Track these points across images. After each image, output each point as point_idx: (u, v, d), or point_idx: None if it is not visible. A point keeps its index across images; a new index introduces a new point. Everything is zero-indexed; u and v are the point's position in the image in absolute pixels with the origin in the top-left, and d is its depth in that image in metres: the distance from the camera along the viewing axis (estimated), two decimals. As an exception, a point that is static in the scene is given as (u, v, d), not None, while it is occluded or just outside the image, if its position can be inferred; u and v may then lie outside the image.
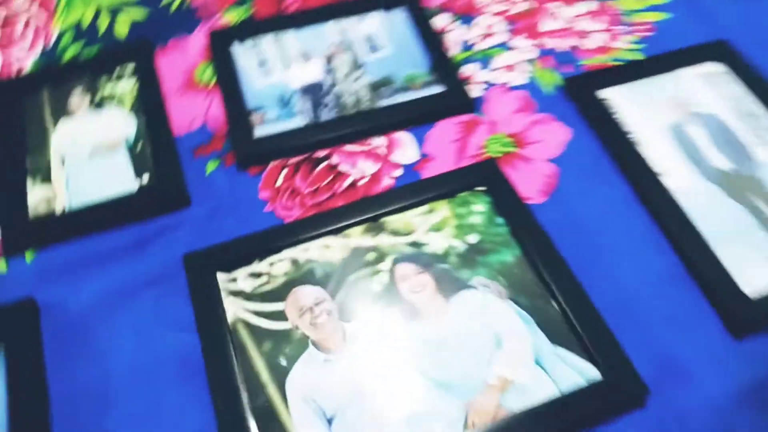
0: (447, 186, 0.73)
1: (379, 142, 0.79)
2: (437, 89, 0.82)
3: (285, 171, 0.76)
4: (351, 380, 0.60)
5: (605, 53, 0.87)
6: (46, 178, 0.75)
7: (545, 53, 0.87)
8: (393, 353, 0.61)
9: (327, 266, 0.67)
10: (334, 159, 0.77)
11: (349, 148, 0.78)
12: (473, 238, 0.69)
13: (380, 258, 0.67)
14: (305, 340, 0.62)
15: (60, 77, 0.84)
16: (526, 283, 0.65)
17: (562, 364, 0.60)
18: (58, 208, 0.73)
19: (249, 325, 0.63)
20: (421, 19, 0.89)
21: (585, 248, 0.69)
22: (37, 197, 0.73)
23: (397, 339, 0.62)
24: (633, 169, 0.73)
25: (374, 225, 0.70)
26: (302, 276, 0.66)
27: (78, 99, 0.82)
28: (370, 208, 0.71)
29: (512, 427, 0.57)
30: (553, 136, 0.79)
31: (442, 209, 0.71)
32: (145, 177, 0.75)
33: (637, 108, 0.78)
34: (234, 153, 0.76)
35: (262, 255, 0.68)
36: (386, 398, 0.59)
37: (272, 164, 0.77)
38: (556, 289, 0.64)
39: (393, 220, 0.70)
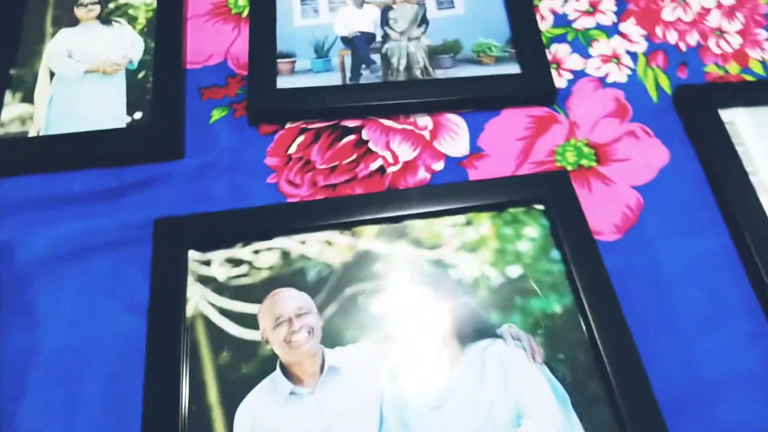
0: (496, 194, 0.57)
1: (424, 122, 0.63)
2: (512, 68, 0.65)
3: (302, 137, 0.62)
4: (318, 427, 0.47)
5: (735, 63, 0.68)
6: (29, 94, 0.63)
7: (658, 47, 0.69)
8: (377, 402, 0.48)
9: (323, 269, 0.53)
10: (365, 133, 0.62)
11: (387, 122, 0.63)
12: (515, 271, 0.53)
13: (391, 271, 0.53)
14: (273, 361, 0.49)
15: (75, -24, 0.72)
16: (572, 345, 0.50)
17: (593, 468, 0.45)
18: (33, 131, 0.61)
19: (210, 324, 0.51)
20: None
21: (657, 314, 0.53)
22: (11, 113, 0.62)
23: (388, 385, 0.48)
24: (745, 221, 0.55)
25: (393, 227, 0.55)
26: (290, 275, 0.53)
27: (87, 7, 0.69)
28: (393, 203, 0.56)
29: None
30: (646, 155, 0.62)
31: (484, 224, 0.56)
32: (138, 114, 0.62)
33: (766, 142, 0.60)
34: (247, 103, 0.62)
35: (247, 238, 0.54)
36: (354, 463, 0.46)
37: (289, 125, 0.63)
38: (609, 364, 0.49)
39: (418, 226, 0.55)
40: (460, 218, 0.56)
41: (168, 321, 0.50)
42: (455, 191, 0.57)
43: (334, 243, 0.54)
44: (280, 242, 0.54)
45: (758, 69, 0.67)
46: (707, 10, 0.72)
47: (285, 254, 0.54)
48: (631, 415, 0.47)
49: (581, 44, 0.69)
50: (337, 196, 0.58)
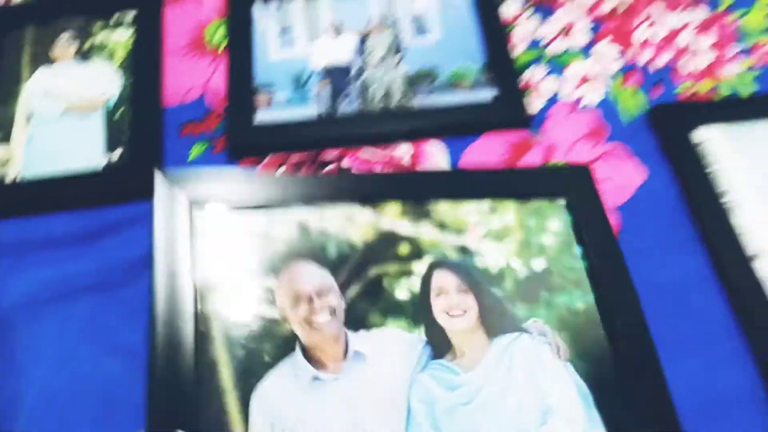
0: (519, 184, 0.58)
1: (403, 150, 0.63)
2: (488, 93, 0.66)
3: (282, 169, 0.62)
4: (343, 416, 0.45)
5: (709, 79, 0.69)
6: (5, 136, 0.63)
7: (632, 68, 0.70)
8: (405, 393, 0.46)
9: (344, 246, 0.51)
10: (345, 163, 0.62)
11: (366, 152, 0.63)
12: (540, 264, 0.53)
13: (416, 254, 0.52)
14: (292, 341, 0.47)
15: (51, 14, 0.71)
16: (594, 344, 0.50)
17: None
18: (10, 176, 0.61)
19: (222, 297, 0.49)
20: (486, 2, 0.72)
21: (638, 337, 0.53)
22: (-11, 157, 0.62)
23: (416, 376, 0.47)
24: (718, 240, 0.56)
25: (417, 208, 0.54)
26: (309, 249, 0.51)
27: (64, 45, 0.69)
28: (415, 183, 0.56)
29: None
30: (623, 175, 0.62)
31: (508, 212, 0.55)
32: (117, 152, 0.62)
33: (740, 160, 0.60)
34: (227, 138, 0.63)
35: (260, 205, 0.53)
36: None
37: (269, 158, 0.63)
38: (631, 365, 0.49)
39: (442, 209, 0.55)
40: (485, 204, 0.55)
41: (174, 290, 0.47)
42: (478, 176, 0.58)
43: (356, 220, 0.53)
44: (297, 213, 0.53)
45: (730, 86, 0.68)
46: (681, 28, 0.72)
47: (303, 226, 0.52)
48: (650, 414, 0.47)
49: (556, 67, 0.70)
50: (358, 172, 0.59)
